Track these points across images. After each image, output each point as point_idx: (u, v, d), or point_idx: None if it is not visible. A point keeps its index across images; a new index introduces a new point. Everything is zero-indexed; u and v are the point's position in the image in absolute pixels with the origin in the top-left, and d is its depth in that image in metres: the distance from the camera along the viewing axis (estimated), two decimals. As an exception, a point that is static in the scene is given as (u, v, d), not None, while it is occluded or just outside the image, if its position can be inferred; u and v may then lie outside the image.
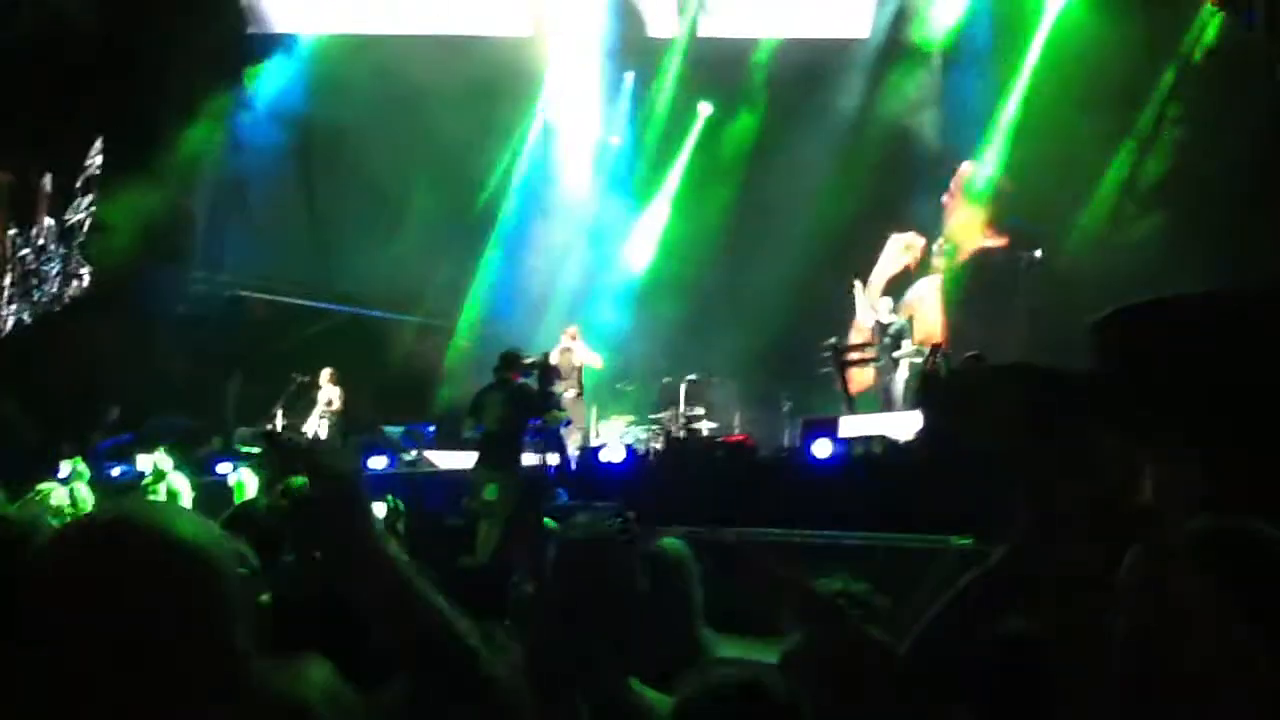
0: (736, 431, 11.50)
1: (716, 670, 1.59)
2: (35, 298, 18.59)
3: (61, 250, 18.01)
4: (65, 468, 7.81)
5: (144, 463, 8.89)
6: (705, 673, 1.61)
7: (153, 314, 14.28)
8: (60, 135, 18.44)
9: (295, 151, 14.66)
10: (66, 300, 17.13)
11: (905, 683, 1.61)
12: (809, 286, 13.23)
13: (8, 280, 19.77)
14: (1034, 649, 1.61)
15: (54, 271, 18.11)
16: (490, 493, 7.08)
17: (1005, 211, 13.16)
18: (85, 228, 17.08)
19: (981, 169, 13.41)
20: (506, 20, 15.41)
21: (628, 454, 9.53)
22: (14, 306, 19.28)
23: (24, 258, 19.44)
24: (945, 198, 13.77)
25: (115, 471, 11.25)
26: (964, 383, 6.97)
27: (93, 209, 16.78)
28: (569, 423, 10.74)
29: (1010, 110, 12.91)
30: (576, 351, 11.99)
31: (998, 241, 13.30)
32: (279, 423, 13.32)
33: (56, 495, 5.84)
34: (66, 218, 18.03)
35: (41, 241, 18.89)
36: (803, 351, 12.56)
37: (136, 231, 14.71)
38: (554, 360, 11.16)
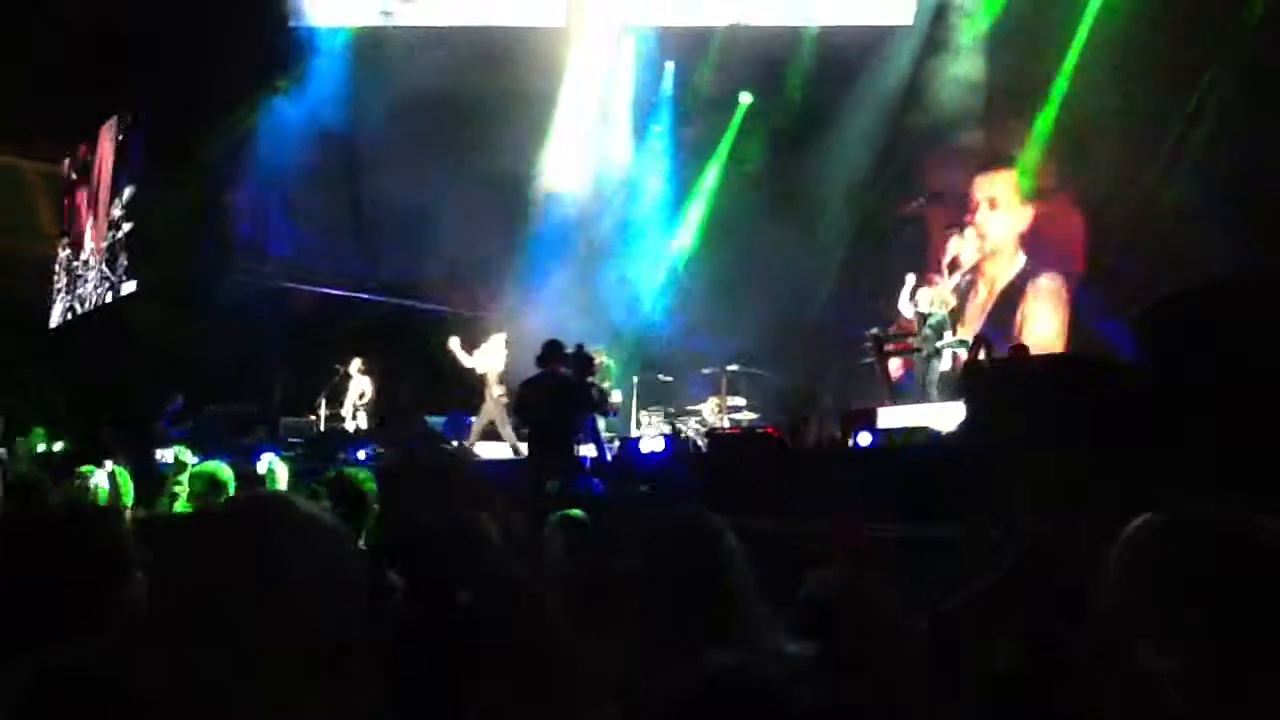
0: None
1: (708, 659, 1.56)
2: (82, 291, 18.95)
3: (107, 244, 18.34)
4: (168, 455, 7.94)
5: (167, 455, 9.09)
6: (697, 662, 1.59)
7: (198, 306, 14.48)
8: (100, 127, 18.80)
9: (338, 144, 14.78)
10: (114, 294, 17.42)
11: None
12: (849, 277, 13.15)
13: (58, 270, 20.20)
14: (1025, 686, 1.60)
15: (100, 265, 18.44)
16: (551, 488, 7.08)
17: (1050, 193, 13.00)
18: (130, 221, 17.37)
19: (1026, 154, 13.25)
20: (541, 11, 15.44)
21: (666, 444, 9.53)
22: (65, 299, 19.68)
23: (73, 252, 19.85)
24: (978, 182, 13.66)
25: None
26: (1008, 375, 6.91)
27: (137, 202, 17.06)
28: (616, 413, 10.83)
29: (1055, 92, 12.67)
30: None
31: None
32: (322, 412, 13.51)
33: (97, 478, 5.92)
34: (111, 211, 18.37)
35: (88, 235, 19.27)
36: (842, 342, 12.50)
37: (181, 225, 14.95)
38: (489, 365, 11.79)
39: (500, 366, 12.09)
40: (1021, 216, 13.34)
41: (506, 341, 12.20)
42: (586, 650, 1.59)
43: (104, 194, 18.99)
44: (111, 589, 1.68)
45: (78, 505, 3.68)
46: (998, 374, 6.82)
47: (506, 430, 11.43)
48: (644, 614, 2.30)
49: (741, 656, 1.59)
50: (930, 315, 11.36)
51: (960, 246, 12.54)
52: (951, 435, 7.14)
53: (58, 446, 13.17)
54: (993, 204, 13.51)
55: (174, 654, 1.07)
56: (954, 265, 12.20)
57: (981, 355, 9.91)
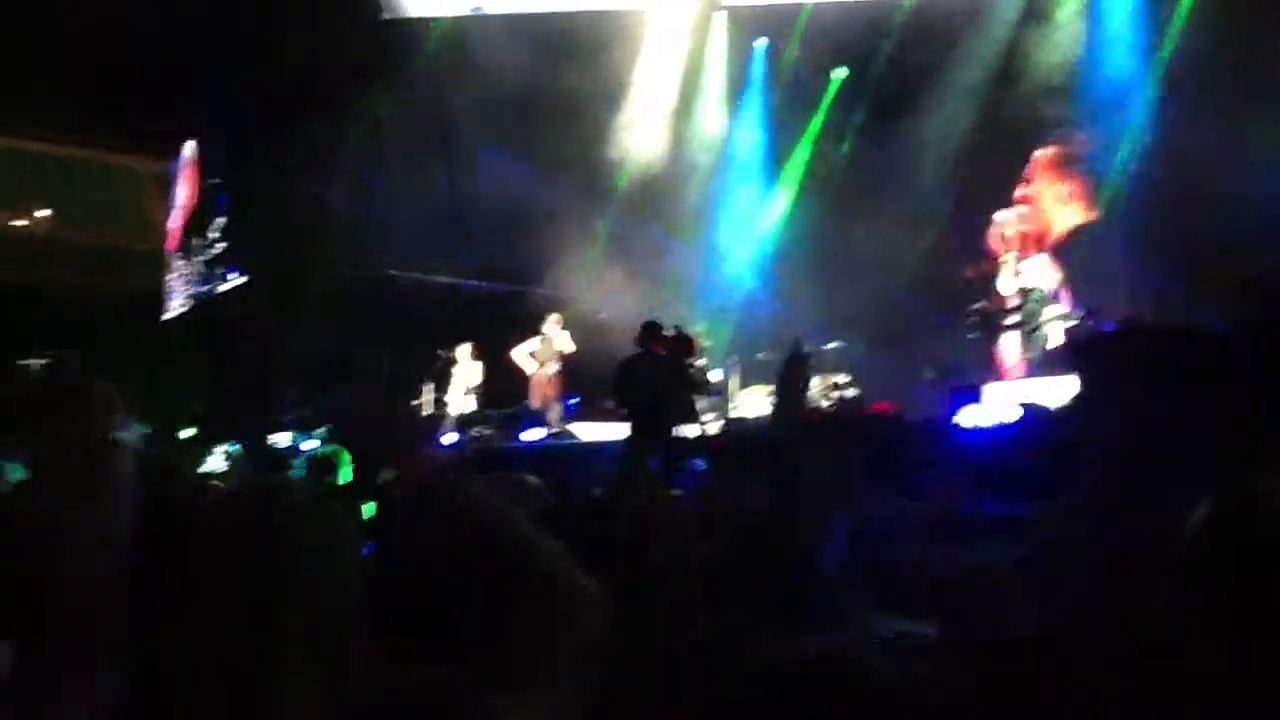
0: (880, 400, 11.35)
1: (801, 645, 1.52)
2: (194, 283, 19.59)
3: (214, 237, 18.92)
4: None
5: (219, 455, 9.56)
6: (786, 647, 1.56)
7: (304, 296, 14.87)
8: (204, 122, 19.38)
9: (435, 132, 15.00)
10: (223, 286, 17.97)
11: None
12: (947, 253, 12.91)
13: (171, 263, 20.94)
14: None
15: (208, 258, 19.05)
16: (648, 465, 7.14)
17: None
18: (235, 215, 17.89)
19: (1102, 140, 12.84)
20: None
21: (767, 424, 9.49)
22: (178, 291, 20.39)
23: (183, 245, 20.54)
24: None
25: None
26: (1124, 347, 6.72)
27: (241, 196, 17.55)
28: (718, 393, 10.88)
29: (1157, 63, 12.21)
30: (556, 338, 12.98)
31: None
32: (428, 398, 13.77)
33: (214, 460, 6.25)
34: (217, 205, 18.95)
35: (196, 228, 19.91)
36: (943, 317, 12.28)
37: (283, 218, 15.35)
38: (536, 346, 12.74)
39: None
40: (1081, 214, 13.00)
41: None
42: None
43: (209, 188, 19.58)
44: None
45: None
46: (1112, 346, 6.62)
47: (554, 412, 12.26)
48: (735, 594, 2.31)
49: (835, 641, 1.58)
50: (1034, 289, 11.09)
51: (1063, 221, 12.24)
52: (1063, 410, 6.97)
53: (182, 434, 13.70)
54: (1058, 198, 13.17)
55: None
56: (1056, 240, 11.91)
57: (1092, 324, 9.64)
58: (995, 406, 6.98)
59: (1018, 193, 13.31)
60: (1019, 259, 11.29)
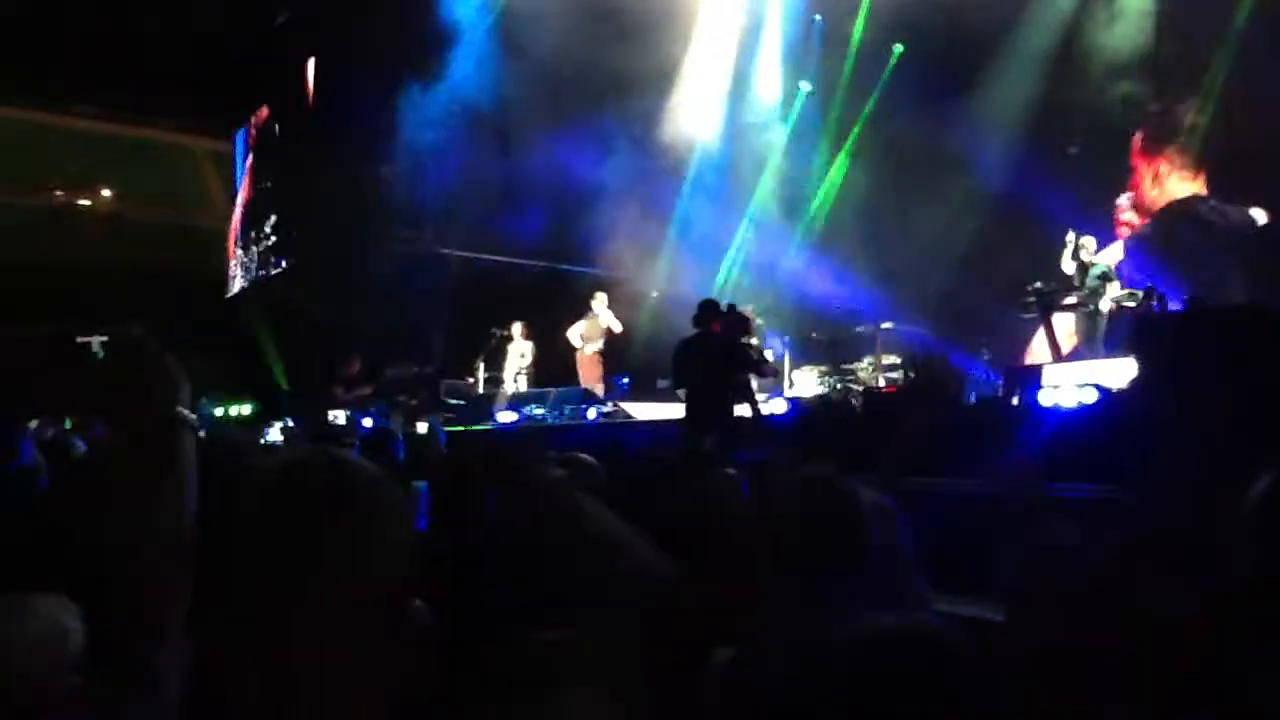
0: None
1: (868, 620, 1.49)
2: (253, 262, 19.91)
3: (273, 217, 19.20)
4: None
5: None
6: (854, 622, 1.53)
7: (360, 274, 15.02)
8: (260, 103, 19.63)
9: (490, 114, 15.02)
10: (282, 264, 18.22)
11: None
12: (1002, 232, 12.72)
13: (231, 242, 21.29)
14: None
15: (267, 237, 19.33)
16: (708, 444, 7.13)
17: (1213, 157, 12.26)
18: (292, 194, 18.10)
19: (1190, 111, 12.50)
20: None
21: (790, 407, 9.41)
22: (238, 269, 20.74)
23: (242, 224, 20.87)
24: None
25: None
26: (1185, 326, 6.57)
27: (297, 176, 17.75)
28: (775, 373, 10.86)
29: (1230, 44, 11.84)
30: (602, 316, 13.16)
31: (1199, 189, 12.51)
32: (481, 375, 13.88)
33: (271, 434, 6.45)
34: (274, 185, 19.22)
35: (254, 208, 20.22)
36: (998, 297, 12.11)
37: (339, 197, 15.51)
38: (583, 326, 12.94)
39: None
40: (1183, 188, 12.68)
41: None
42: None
43: (265, 169, 19.86)
44: None
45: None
46: (1177, 326, 6.48)
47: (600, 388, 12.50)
48: (794, 572, 2.29)
49: (904, 615, 1.54)
50: (1094, 266, 10.88)
51: (1124, 207, 12.01)
52: (1124, 392, 6.84)
53: (239, 410, 13.94)
54: (1156, 177, 12.89)
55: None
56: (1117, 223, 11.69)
57: (1154, 304, 9.42)
58: (1068, 388, 6.84)
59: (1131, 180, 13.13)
60: (1079, 236, 11.07)
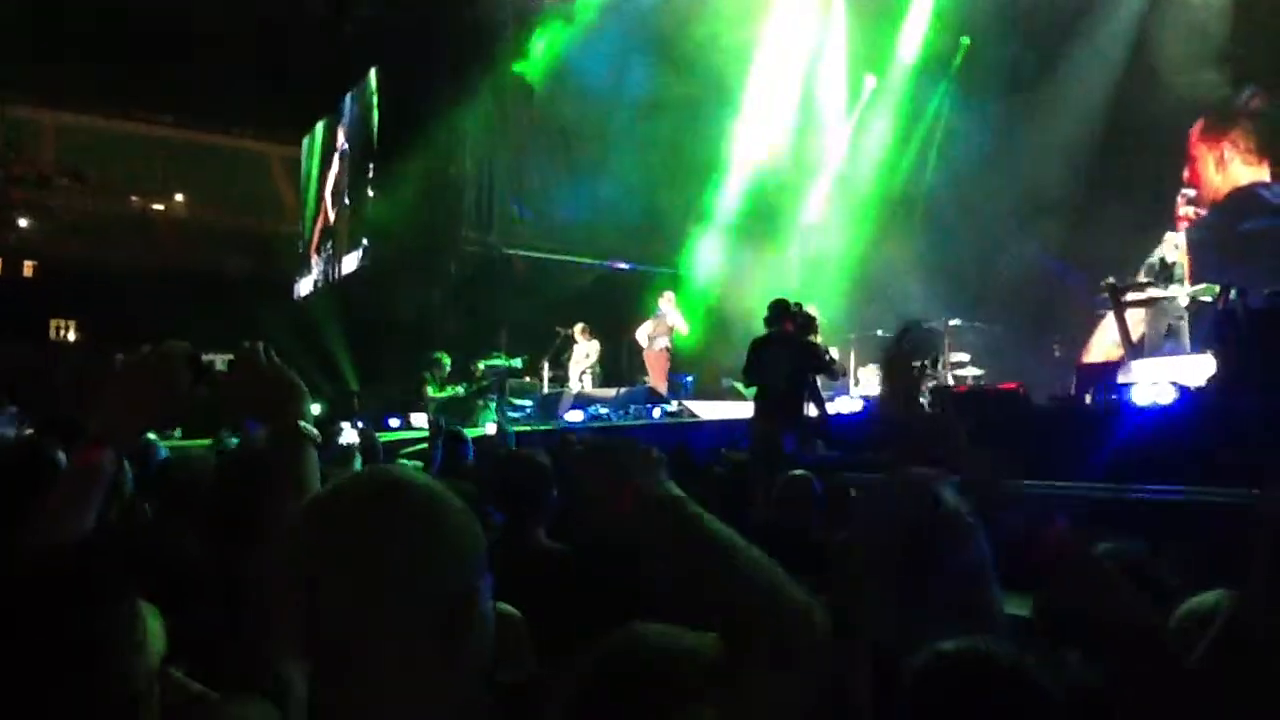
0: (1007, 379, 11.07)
1: (945, 643, 1.49)
2: (325, 264, 20.24)
3: (344, 220, 19.51)
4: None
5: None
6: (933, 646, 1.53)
7: (430, 275, 15.22)
8: (333, 109, 19.94)
9: (554, 115, 15.12)
10: (354, 265, 18.50)
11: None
12: (1073, 224, 12.50)
13: (302, 246, 21.68)
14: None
15: (337, 240, 19.65)
16: (781, 444, 7.11)
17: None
18: (363, 197, 18.37)
19: (1256, 97, 12.18)
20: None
21: (865, 406, 9.36)
22: (310, 272, 21.11)
23: (314, 228, 21.23)
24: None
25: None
26: (1268, 322, 6.41)
27: (368, 179, 18.02)
28: (843, 373, 10.83)
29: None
30: (669, 315, 13.15)
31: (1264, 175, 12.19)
32: (546, 375, 13.98)
33: (346, 435, 6.47)
34: (345, 189, 19.51)
35: (326, 212, 20.55)
36: (1069, 293, 11.92)
37: (410, 199, 15.71)
38: (650, 325, 13.07)
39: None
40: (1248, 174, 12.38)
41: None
42: None
43: (337, 174, 20.18)
44: None
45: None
46: (1259, 322, 6.33)
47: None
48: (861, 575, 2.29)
49: (974, 638, 1.55)
50: (1174, 262, 10.63)
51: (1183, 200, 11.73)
52: (1203, 390, 6.71)
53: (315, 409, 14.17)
54: (1220, 162, 12.60)
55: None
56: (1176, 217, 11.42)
57: (1233, 299, 9.19)
58: (1147, 386, 6.71)
59: (1185, 174, 12.86)
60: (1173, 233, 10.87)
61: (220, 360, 1.52)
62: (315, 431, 1.44)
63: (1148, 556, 2.17)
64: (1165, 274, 10.41)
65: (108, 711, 1.04)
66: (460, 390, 13.11)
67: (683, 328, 13.17)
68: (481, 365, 13.65)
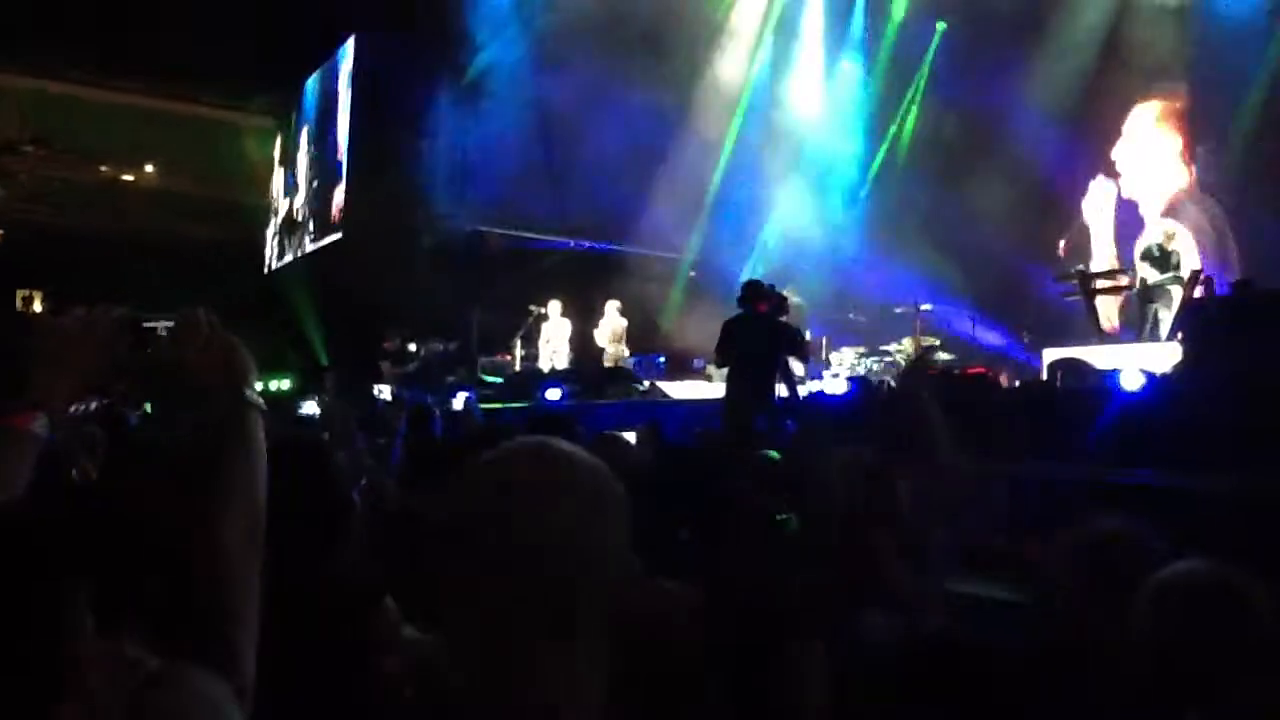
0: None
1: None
2: (295, 237, 20.06)
3: (315, 192, 19.32)
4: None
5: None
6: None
7: (400, 250, 15.08)
8: (305, 80, 19.73)
9: (531, 93, 15.01)
10: (322, 239, 18.33)
11: None
12: (1044, 212, 12.56)
13: (273, 217, 21.48)
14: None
15: (309, 213, 19.47)
16: (753, 424, 7.14)
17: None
18: (335, 170, 18.19)
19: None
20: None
21: (851, 386, 9.39)
22: (280, 244, 20.91)
23: (285, 200, 21.03)
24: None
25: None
26: (1234, 311, 6.47)
27: (341, 151, 17.83)
28: (809, 358, 10.87)
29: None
30: (614, 322, 13.36)
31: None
32: (518, 353, 13.92)
33: (306, 408, 6.51)
34: (318, 160, 19.32)
35: (298, 183, 20.37)
36: (1039, 279, 11.98)
37: (382, 173, 15.56)
38: (605, 330, 13.24)
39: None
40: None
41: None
42: None
43: (310, 144, 19.98)
44: None
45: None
46: (1224, 310, 6.39)
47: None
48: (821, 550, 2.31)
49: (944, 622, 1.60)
50: (1174, 251, 10.63)
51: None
52: (1169, 376, 6.77)
53: (279, 385, 14.07)
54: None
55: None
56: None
57: (1199, 292, 9.28)
58: (1118, 373, 6.75)
59: (1115, 153, 12.88)
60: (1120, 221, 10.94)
61: (162, 326, 1.48)
62: (259, 400, 1.41)
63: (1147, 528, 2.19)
64: (1162, 260, 10.43)
65: (44, 678, 1.02)
66: (410, 368, 13.10)
67: (621, 332, 13.24)
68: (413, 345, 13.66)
